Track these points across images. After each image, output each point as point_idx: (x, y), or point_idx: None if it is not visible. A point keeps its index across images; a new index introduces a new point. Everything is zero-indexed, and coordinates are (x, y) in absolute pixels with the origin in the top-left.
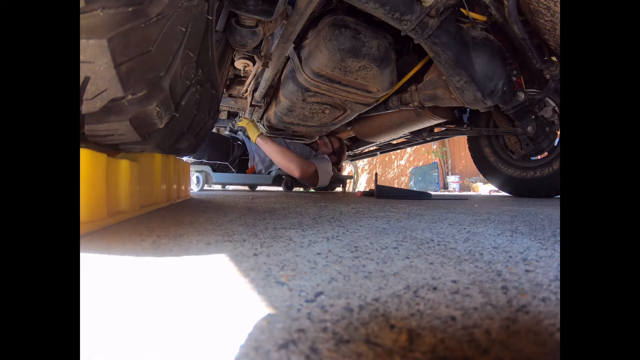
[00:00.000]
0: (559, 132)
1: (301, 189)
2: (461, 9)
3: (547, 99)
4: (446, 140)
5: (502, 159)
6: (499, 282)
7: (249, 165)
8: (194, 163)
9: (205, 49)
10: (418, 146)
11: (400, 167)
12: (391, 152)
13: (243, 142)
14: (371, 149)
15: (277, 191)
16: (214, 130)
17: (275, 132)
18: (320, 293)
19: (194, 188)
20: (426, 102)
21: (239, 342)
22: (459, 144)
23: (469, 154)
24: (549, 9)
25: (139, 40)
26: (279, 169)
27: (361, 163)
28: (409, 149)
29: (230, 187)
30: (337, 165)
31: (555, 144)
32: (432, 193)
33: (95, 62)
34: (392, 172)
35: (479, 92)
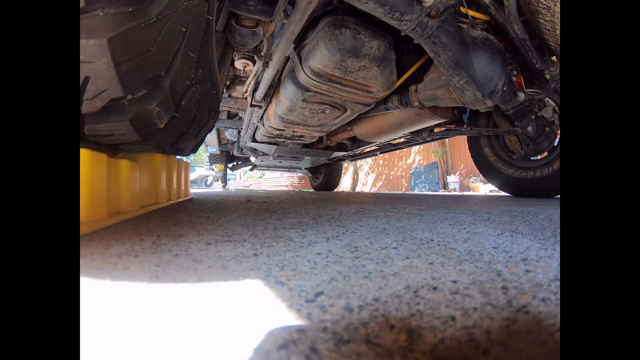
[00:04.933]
0: (559, 132)
1: None
2: (461, 9)
3: (547, 99)
4: (446, 140)
5: (502, 159)
6: (499, 282)
7: None
8: None
9: (205, 49)
10: (423, 146)
11: (406, 166)
12: (396, 152)
13: None
14: (371, 149)
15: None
16: None
17: (275, 132)
18: (320, 293)
19: None
20: (426, 102)
21: (239, 342)
22: (459, 144)
23: (469, 154)
24: (549, 9)
25: (139, 40)
26: None
27: (364, 162)
28: (415, 148)
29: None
30: None
31: (555, 144)
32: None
33: (95, 62)
34: (399, 171)
35: (479, 92)
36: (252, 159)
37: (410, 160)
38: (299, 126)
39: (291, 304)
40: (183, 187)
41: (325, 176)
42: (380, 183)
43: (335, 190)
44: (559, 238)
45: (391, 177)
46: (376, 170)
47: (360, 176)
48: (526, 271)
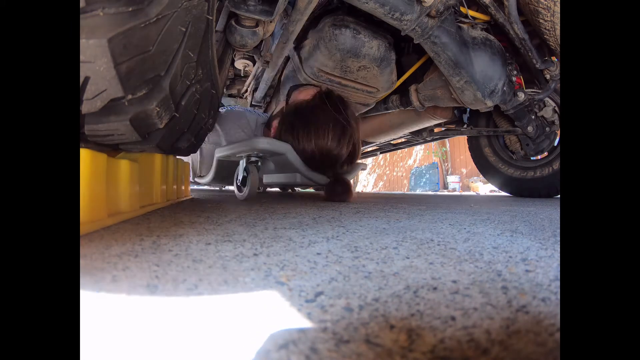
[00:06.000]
0: (559, 132)
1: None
2: (461, 9)
3: (547, 99)
4: (446, 140)
5: (502, 159)
6: (499, 282)
7: None
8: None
9: (205, 49)
10: (424, 146)
11: (408, 166)
12: (398, 152)
13: None
14: (371, 149)
15: (274, 192)
16: None
17: None
18: (320, 293)
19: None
20: (426, 102)
21: (239, 343)
22: (459, 144)
23: (469, 154)
24: (549, 9)
25: (139, 40)
26: None
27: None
28: (416, 148)
29: (231, 187)
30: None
31: (555, 144)
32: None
33: (95, 62)
34: (401, 172)
35: (479, 92)
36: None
37: (411, 161)
38: None
39: (291, 304)
40: (183, 187)
41: None
42: (382, 183)
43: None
44: (559, 238)
45: (392, 177)
46: (377, 170)
47: (361, 177)
48: (526, 271)
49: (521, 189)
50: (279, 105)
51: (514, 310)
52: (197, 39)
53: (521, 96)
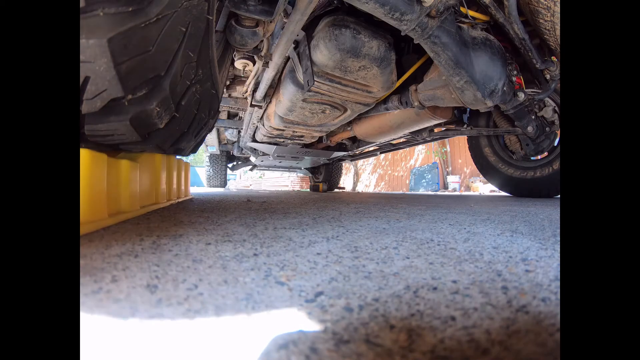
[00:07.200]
0: (559, 132)
1: None
2: (461, 9)
3: (547, 99)
4: (446, 140)
5: (502, 159)
6: (499, 282)
7: None
8: None
9: (206, 49)
10: (426, 146)
11: (410, 166)
12: (399, 152)
13: None
14: (371, 149)
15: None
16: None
17: (275, 132)
18: (320, 293)
19: None
20: (426, 102)
21: (239, 343)
22: (460, 144)
23: (469, 154)
24: (549, 9)
25: (139, 40)
26: None
27: (367, 163)
28: (418, 148)
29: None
30: None
31: (555, 144)
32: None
33: (95, 62)
34: (402, 172)
35: (479, 92)
36: (252, 159)
37: (412, 161)
38: (299, 126)
39: (291, 304)
40: (183, 187)
41: (325, 176)
42: (383, 183)
43: (335, 190)
44: (559, 238)
45: (394, 177)
46: (379, 170)
47: (362, 177)
48: (526, 271)
49: (521, 189)
50: None
51: (514, 310)
52: (197, 39)
53: (521, 96)
